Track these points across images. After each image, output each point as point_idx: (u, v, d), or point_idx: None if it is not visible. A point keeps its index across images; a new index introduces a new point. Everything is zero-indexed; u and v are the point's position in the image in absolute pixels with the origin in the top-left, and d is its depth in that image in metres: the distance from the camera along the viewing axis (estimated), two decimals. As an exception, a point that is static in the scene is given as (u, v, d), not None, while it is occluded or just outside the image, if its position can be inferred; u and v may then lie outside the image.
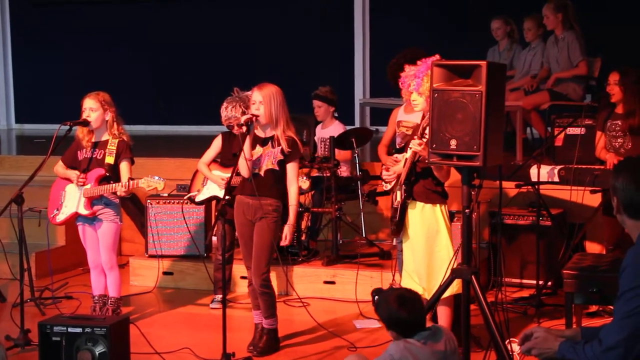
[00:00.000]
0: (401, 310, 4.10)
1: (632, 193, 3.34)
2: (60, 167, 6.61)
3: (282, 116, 5.81)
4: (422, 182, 5.52)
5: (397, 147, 6.16)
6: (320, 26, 12.08)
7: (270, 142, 5.85)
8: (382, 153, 6.68)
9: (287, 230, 5.89)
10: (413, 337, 4.08)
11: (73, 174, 6.47)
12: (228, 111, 6.72)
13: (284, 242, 5.92)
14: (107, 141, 6.46)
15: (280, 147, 5.81)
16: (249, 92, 6.04)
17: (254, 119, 5.78)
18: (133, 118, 10.38)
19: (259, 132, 5.90)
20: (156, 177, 6.32)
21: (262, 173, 5.85)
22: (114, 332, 5.29)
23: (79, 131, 6.49)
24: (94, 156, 6.46)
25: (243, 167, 5.84)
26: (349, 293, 7.10)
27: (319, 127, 8.31)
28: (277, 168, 5.84)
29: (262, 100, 5.78)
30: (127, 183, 6.31)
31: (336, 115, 8.25)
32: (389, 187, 5.75)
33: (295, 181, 5.92)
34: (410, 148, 5.41)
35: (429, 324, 4.29)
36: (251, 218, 5.88)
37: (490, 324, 4.81)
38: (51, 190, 6.68)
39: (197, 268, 7.65)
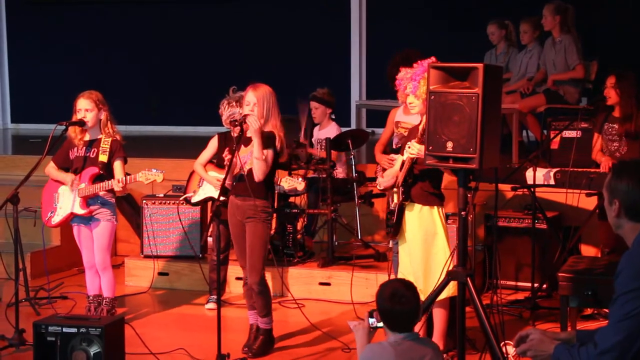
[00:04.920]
0: (391, 304, 4.08)
1: (636, 195, 3.31)
2: (52, 169, 6.59)
3: (272, 117, 5.79)
4: (419, 184, 5.52)
5: (394, 147, 6.16)
6: (317, 28, 12.07)
7: None
8: (378, 152, 6.68)
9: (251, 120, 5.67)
10: (401, 333, 4.07)
11: (69, 177, 6.43)
12: (232, 107, 6.70)
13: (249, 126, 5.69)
14: (100, 140, 6.45)
15: None
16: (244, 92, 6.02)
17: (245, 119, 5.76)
18: (129, 118, 10.39)
19: (250, 132, 5.88)
20: (154, 170, 6.31)
21: (246, 173, 5.83)
22: (109, 333, 5.29)
23: (71, 130, 6.45)
24: (88, 155, 6.44)
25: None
26: (344, 294, 7.09)
27: (316, 128, 8.30)
28: None
29: (256, 101, 5.77)
30: (124, 178, 6.29)
31: (333, 117, 8.25)
32: (381, 187, 5.75)
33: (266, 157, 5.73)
34: (409, 148, 5.40)
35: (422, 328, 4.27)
36: (241, 219, 5.88)
37: (486, 326, 4.80)
38: (43, 192, 6.66)
39: (193, 269, 7.65)
